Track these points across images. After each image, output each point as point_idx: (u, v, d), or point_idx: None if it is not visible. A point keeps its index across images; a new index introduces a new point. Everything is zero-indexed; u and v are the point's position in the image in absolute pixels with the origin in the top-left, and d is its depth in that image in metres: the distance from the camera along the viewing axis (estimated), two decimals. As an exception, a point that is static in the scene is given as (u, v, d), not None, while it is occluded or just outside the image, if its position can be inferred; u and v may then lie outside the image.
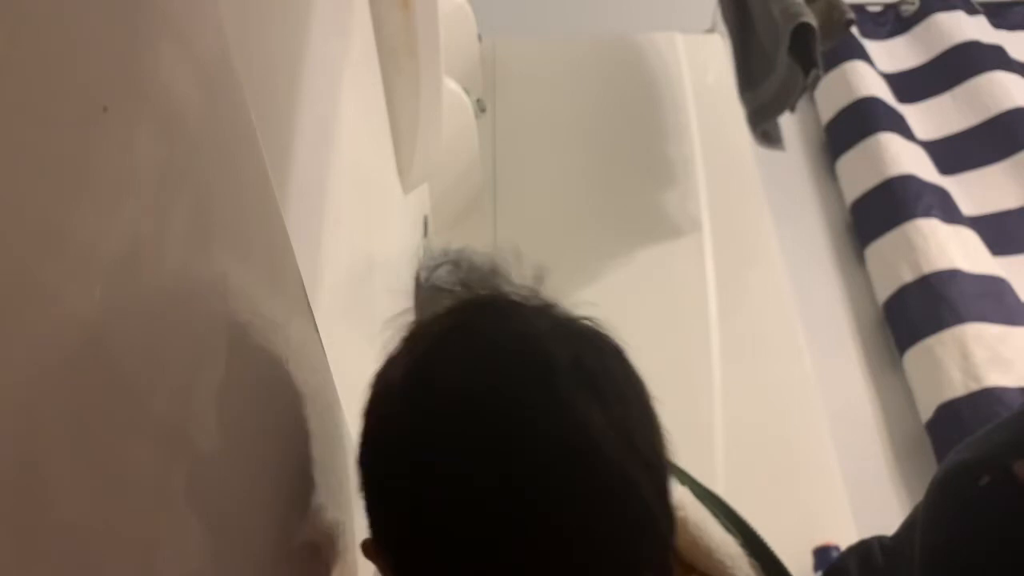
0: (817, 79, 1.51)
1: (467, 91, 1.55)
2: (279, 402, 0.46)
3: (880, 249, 1.87)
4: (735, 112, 1.77)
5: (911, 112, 2.16)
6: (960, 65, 2.23)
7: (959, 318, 1.66)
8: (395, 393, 0.46)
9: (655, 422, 0.47)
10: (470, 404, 0.43)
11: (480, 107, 1.76)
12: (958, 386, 1.57)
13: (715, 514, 0.64)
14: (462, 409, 0.43)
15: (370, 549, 0.49)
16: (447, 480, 0.42)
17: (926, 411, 1.61)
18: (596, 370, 0.45)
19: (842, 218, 2.03)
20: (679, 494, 0.63)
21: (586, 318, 0.49)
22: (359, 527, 0.58)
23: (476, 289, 0.52)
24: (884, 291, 1.81)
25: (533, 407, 0.42)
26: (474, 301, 0.51)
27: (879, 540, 0.70)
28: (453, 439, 0.42)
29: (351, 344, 0.82)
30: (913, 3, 2.39)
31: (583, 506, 0.42)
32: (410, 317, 0.52)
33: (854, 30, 2.21)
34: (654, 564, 0.46)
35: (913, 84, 2.24)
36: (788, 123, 1.79)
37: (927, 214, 1.84)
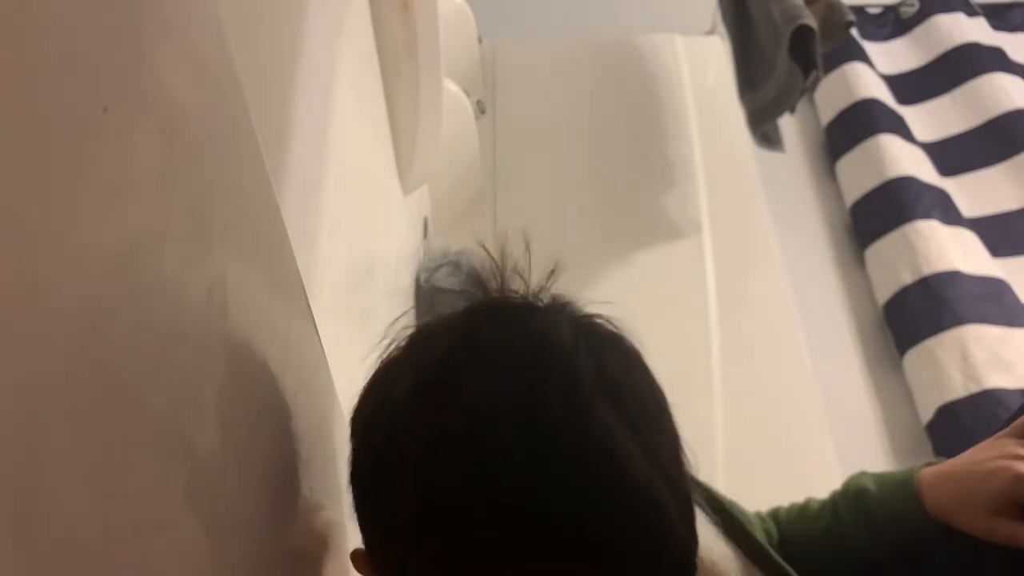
0: (817, 81, 1.51)
1: (467, 93, 1.55)
2: (279, 403, 0.46)
3: (880, 250, 1.87)
4: (735, 114, 1.77)
5: (911, 114, 2.16)
6: (960, 67, 2.23)
7: (959, 320, 1.66)
8: (405, 406, 0.43)
9: (676, 435, 0.45)
10: (490, 422, 0.40)
11: (480, 109, 1.76)
12: (958, 388, 1.57)
13: (718, 525, 0.63)
14: (482, 428, 0.40)
15: (361, 561, 0.47)
16: (464, 503, 0.39)
17: (926, 412, 1.61)
18: (620, 382, 0.43)
19: (842, 220, 2.03)
20: None
21: (602, 317, 0.47)
22: (352, 524, 0.58)
23: (486, 288, 0.48)
24: (884, 292, 1.81)
25: (559, 425, 0.40)
26: (486, 304, 0.48)
27: None
28: (472, 460, 0.40)
29: (351, 345, 0.82)
30: (913, 5, 2.40)
31: (610, 530, 0.39)
32: (408, 320, 0.50)
33: (854, 32, 2.21)
34: None
35: (913, 86, 2.24)
36: (788, 125, 1.80)
37: (927, 215, 1.84)
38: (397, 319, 0.50)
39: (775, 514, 0.74)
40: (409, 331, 0.49)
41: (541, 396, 0.41)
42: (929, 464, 0.66)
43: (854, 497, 0.68)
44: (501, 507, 0.39)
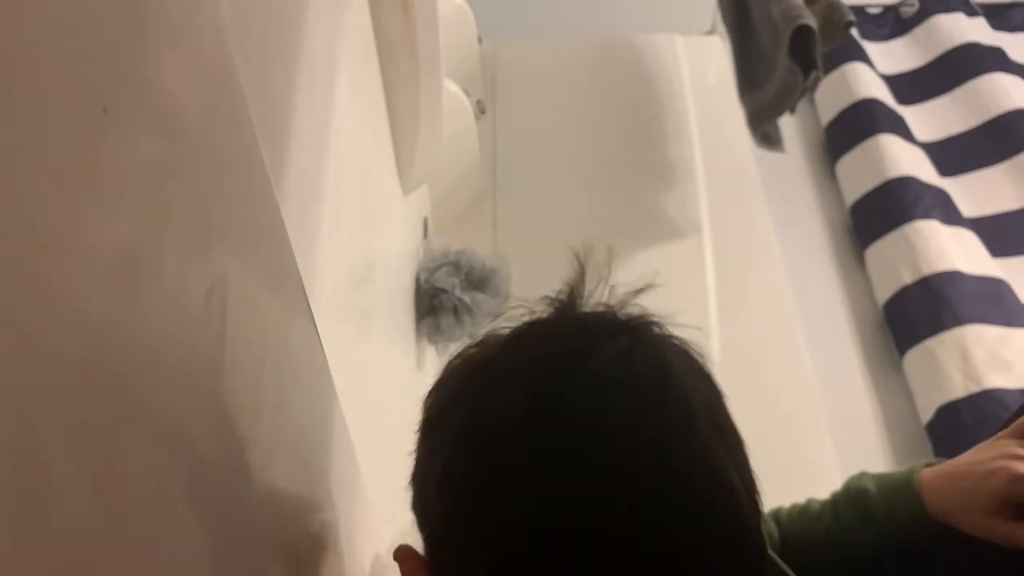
0: (817, 81, 1.51)
1: (467, 93, 1.55)
2: (278, 402, 0.46)
3: (880, 250, 1.87)
4: (735, 114, 1.77)
5: (911, 114, 2.16)
6: (960, 67, 2.23)
7: (959, 319, 1.66)
8: (518, 431, 0.42)
9: (750, 464, 0.46)
10: (616, 453, 0.40)
11: (480, 109, 1.77)
12: (958, 388, 1.57)
13: None
14: (607, 458, 0.40)
15: (413, 562, 0.46)
16: (585, 532, 0.40)
17: (926, 412, 1.61)
18: (720, 415, 0.44)
19: (842, 220, 2.03)
20: None
21: (679, 339, 0.47)
22: (351, 525, 0.58)
23: (579, 301, 0.47)
24: (884, 292, 1.82)
25: (682, 458, 0.41)
26: (584, 316, 0.46)
27: None
28: (591, 484, 0.40)
29: (351, 344, 0.82)
30: (913, 5, 2.40)
31: (726, 564, 0.41)
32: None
33: (854, 32, 2.21)
34: None
35: (913, 86, 2.24)
36: (788, 125, 1.80)
37: (927, 215, 1.85)
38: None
39: (776, 514, 0.74)
40: (488, 331, 0.47)
41: (663, 427, 0.41)
42: (930, 464, 0.66)
43: (855, 497, 0.68)
44: (619, 538, 0.39)
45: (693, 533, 0.40)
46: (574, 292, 0.47)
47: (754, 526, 0.43)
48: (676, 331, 0.48)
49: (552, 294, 0.47)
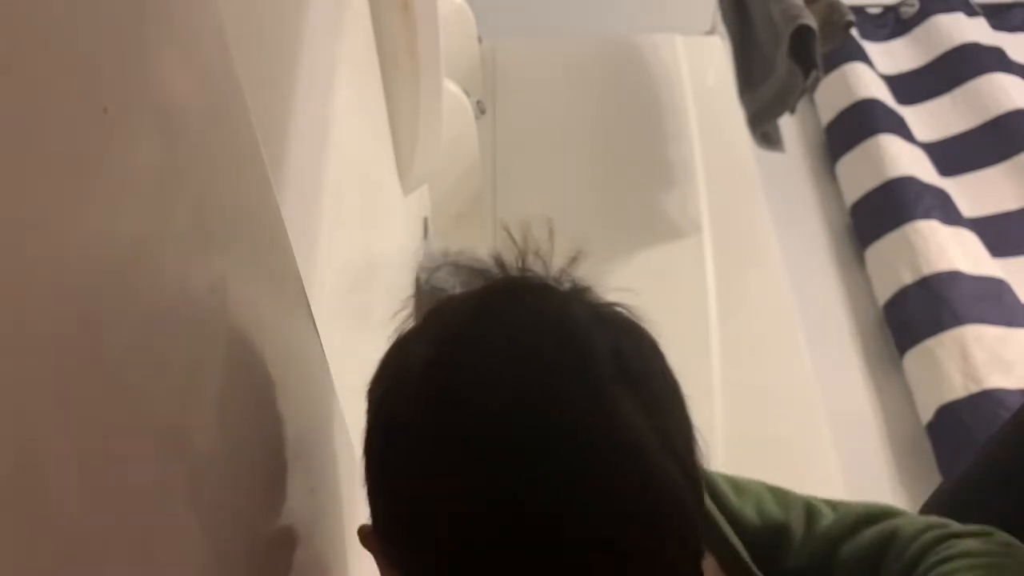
0: (817, 81, 1.51)
1: (467, 93, 1.55)
2: (278, 403, 0.46)
3: (880, 251, 1.87)
4: (735, 114, 1.77)
5: (911, 114, 2.16)
6: (960, 67, 2.23)
7: (959, 320, 1.66)
8: (416, 380, 0.42)
9: (690, 423, 0.44)
10: (502, 395, 0.39)
11: (480, 109, 1.76)
12: (958, 388, 1.57)
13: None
14: (494, 401, 0.39)
15: (368, 537, 0.46)
16: (473, 479, 0.38)
17: (926, 412, 1.61)
18: (636, 364, 0.42)
19: (842, 220, 2.03)
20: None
21: (621, 305, 0.46)
22: (352, 524, 0.58)
23: (506, 269, 0.47)
24: (884, 292, 1.81)
25: (572, 402, 0.39)
26: (505, 282, 0.47)
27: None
28: (483, 435, 0.39)
29: (351, 345, 0.82)
30: (913, 5, 2.40)
31: (619, 510, 0.39)
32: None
33: (854, 32, 2.21)
34: (689, 573, 0.43)
35: (913, 86, 2.24)
36: (788, 125, 1.79)
37: (927, 216, 1.84)
38: (407, 299, 0.49)
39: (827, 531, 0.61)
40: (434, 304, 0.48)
41: (554, 373, 0.40)
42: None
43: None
44: (502, 502, 0.38)
45: (582, 482, 0.38)
46: (504, 265, 0.48)
47: (675, 490, 0.39)
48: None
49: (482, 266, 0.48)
